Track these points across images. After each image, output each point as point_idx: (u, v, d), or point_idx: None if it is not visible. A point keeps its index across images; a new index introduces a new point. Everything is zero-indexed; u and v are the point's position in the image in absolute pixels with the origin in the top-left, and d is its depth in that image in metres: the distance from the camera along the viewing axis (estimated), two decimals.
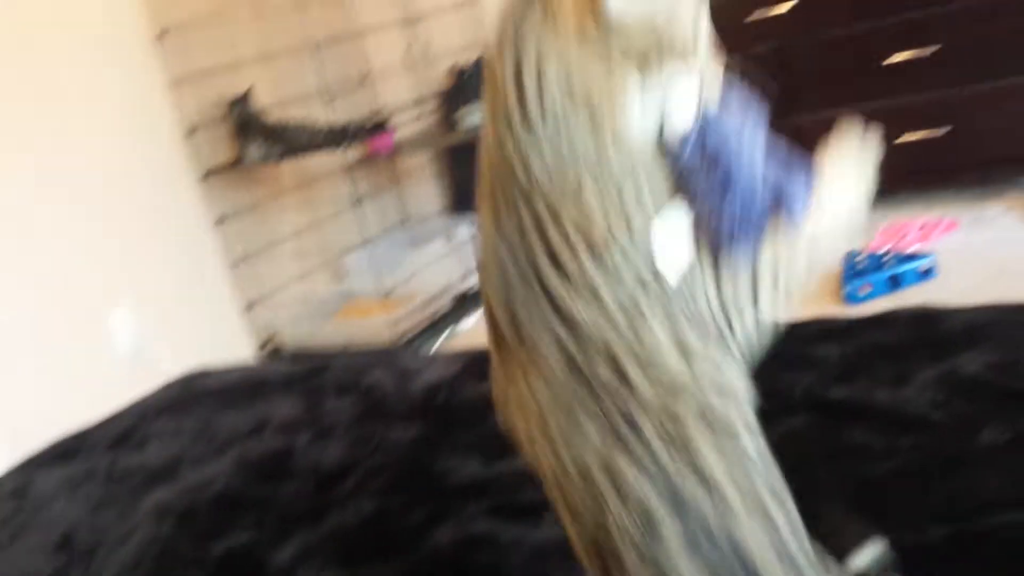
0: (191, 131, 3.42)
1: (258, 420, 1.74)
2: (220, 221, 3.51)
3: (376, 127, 3.40)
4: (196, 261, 3.47)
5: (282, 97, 3.47)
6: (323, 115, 3.37)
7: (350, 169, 3.73)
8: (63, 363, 3.00)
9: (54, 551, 1.49)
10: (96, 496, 1.64)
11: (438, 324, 3.39)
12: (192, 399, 1.93)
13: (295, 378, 1.89)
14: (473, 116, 3.62)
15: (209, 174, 3.46)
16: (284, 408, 1.76)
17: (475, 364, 1.66)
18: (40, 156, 3.00)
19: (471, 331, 3.35)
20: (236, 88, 3.39)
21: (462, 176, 3.93)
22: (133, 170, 3.28)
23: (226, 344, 3.48)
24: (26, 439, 2.52)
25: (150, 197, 3.33)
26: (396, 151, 3.66)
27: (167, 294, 3.35)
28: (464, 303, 3.46)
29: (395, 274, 3.40)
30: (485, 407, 0.83)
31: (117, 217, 3.21)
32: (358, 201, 3.46)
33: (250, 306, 3.59)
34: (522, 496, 1.15)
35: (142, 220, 3.30)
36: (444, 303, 3.47)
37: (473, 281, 3.51)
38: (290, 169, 3.68)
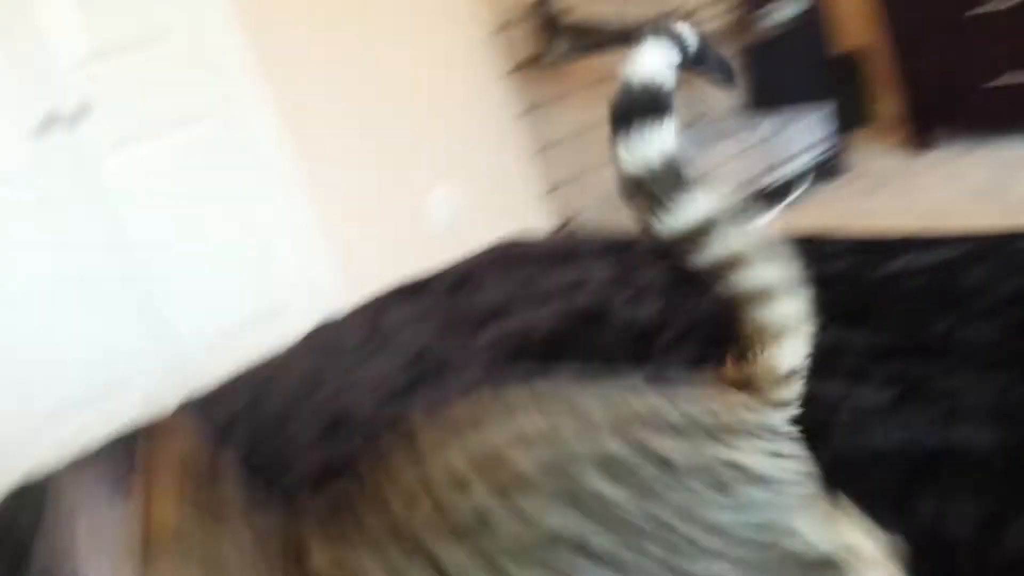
0: (501, 28, 3.65)
1: (575, 280, 1.93)
2: (525, 112, 3.75)
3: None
4: (504, 148, 3.75)
5: None
6: (624, 13, 3.50)
7: None
8: (392, 229, 3.42)
9: (407, 366, 1.77)
10: (439, 328, 1.91)
11: None
12: (514, 259, 2.17)
13: (610, 247, 2.06)
14: (777, 13, 3.59)
15: (516, 69, 3.69)
16: (599, 271, 1.94)
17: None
18: (379, 57, 3.38)
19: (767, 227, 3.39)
20: None
21: (761, 73, 3.91)
22: (452, 65, 3.59)
23: (528, 223, 3.76)
24: (360, 287, 2.91)
25: (465, 90, 3.63)
26: None
27: (478, 176, 3.66)
28: (761, 199, 3.51)
29: (691, 169, 3.48)
30: None
31: (438, 108, 3.55)
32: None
33: (551, 190, 3.83)
34: None
35: (459, 111, 3.61)
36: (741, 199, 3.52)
37: (771, 177, 3.55)
38: (591, 65, 3.84)
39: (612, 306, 1.76)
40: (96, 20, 2.81)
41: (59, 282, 2.77)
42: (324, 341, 2.03)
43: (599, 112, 3.12)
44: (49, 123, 2.71)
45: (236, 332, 3.10)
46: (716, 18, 3.79)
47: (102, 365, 2.85)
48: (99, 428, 2.71)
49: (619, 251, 2.04)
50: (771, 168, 3.56)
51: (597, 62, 3.83)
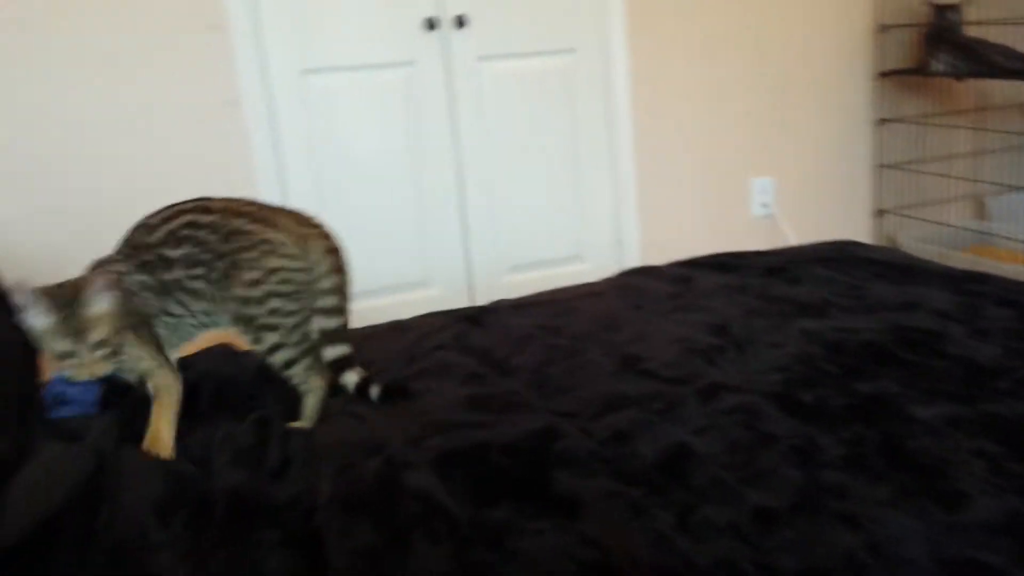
0: (881, 29, 3.44)
1: (908, 299, 1.81)
2: (880, 122, 3.54)
3: None
4: (843, 155, 3.56)
5: (986, 16, 3.31)
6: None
7: None
8: (709, 213, 3.37)
9: (711, 332, 1.74)
10: (750, 306, 1.85)
11: None
12: (844, 260, 2.06)
13: (952, 276, 1.90)
14: None
15: (885, 74, 3.48)
16: (937, 298, 1.80)
17: None
18: (748, 34, 3.30)
19: None
20: None
21: None
22: (811, 59, 3.43)
23: (845, 237, 3.58)
24: (656, 254, 2.89)
25: (819, 86, 3.46)
26: None
27: (805, 174, 3.51)
28: None
29: None
30: None
31: (779, 98, 3.41)
32: None
33: (880, 212, 3.61)
34: None
35: (802, 105, 3.46)
36: None
37: None
38: (967, 89, 3.55)
39: (948, 336, 1.63)
40: None
41: (402, 167, 2.96)
42: (630, 285, 2.03)
43: (958, 143, 2.91)
44: (432, 25, 2.89)
45: (528, 266, 3.19)
46: None
47: (412, 257, 3.04)
48: (383, 315, 2.91)
49: (961, 283, 1.88)
50: None
51: (976, 88, 3.55)
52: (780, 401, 1.43)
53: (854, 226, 3.64)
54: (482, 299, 3.14)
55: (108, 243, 2.57)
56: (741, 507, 1.16)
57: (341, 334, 1.56)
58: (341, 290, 1.55)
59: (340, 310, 1.56)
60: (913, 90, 3.55)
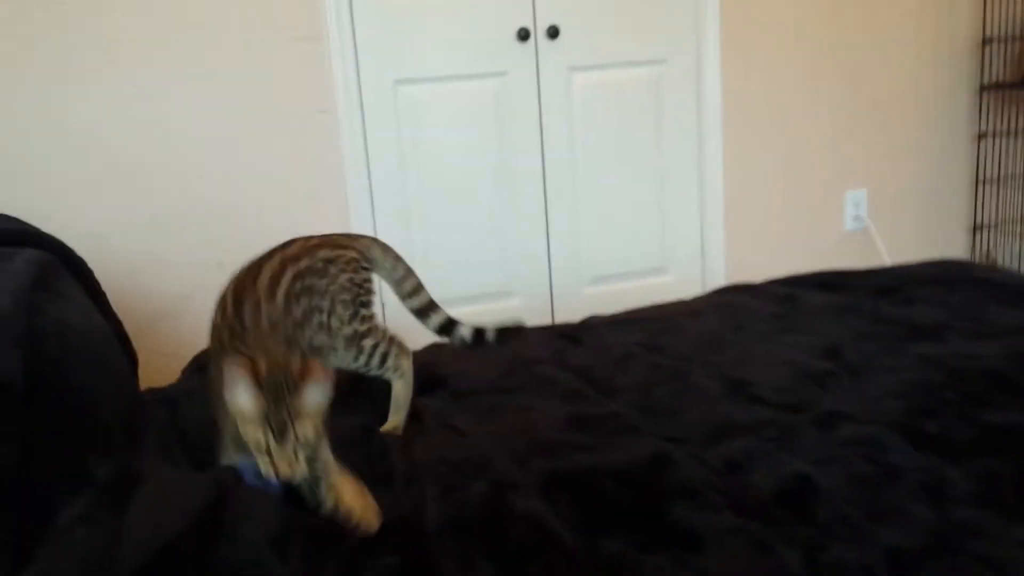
0: (986, 41, 3.32)
1: None
2: (980, 136, 3.42)
3: None
4: (941, 168, 3.45)
5: None
6: None
7: None
8: (799, 227, 3.29)
9: (822, 355, 1.67)
10: (861, 328, 1.78)
11: None
12: (956, 281, 1.97)
13: None
14: None
15: (987, 87, 3.36)
16: None
17: None
18: (846, 43, 3.21)
19: None
20: None
21: None
22: (912, 71, 3.32)
23: (939, 254, 3.46)
24: (741, 270, 2.81)
25: (919, 98, 3.36)
26: None
27: (900, 187, 3.41)
28: None
29: None
30: None
31: (876, 110, 3.31)
32: None
33: (977, 228, 3.48)
34: None
35: (900, 117, 3.35)
36: None
37: None
38: None
39: None
40: None
41: (488, 177, 2.95)
42: (731, 303, 1.98)
43: None
44: (524, 36, 2.87)
45: (609, 278, 3.15)
46: None
47: (495, 268, 3.01)
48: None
49: None
50: None
51: None
52: (903, 432, 1.36)
53: (950, 241, 3.52)
54: (563, 310, 3.11)
55: (198, 250, 2.62)
56: (872, 547, 1.10)
57: (434, 304, 1.67)
58: (411, 272, 1.66)
59: (420, 286, 1.67)
60: (1015, 104, 3.42)
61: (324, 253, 1.49)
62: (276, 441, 1.16)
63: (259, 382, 1.16)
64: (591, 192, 3.09)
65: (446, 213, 2.94)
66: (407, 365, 1.59)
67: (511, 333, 1.66)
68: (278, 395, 1.17)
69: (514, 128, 2.95)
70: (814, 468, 1.29)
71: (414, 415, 1.56)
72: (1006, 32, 3.29)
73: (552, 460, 1.36)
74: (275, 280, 1.37)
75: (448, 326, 1.66)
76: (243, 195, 2.65)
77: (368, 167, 2.83)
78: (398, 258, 1.66)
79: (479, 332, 1.65)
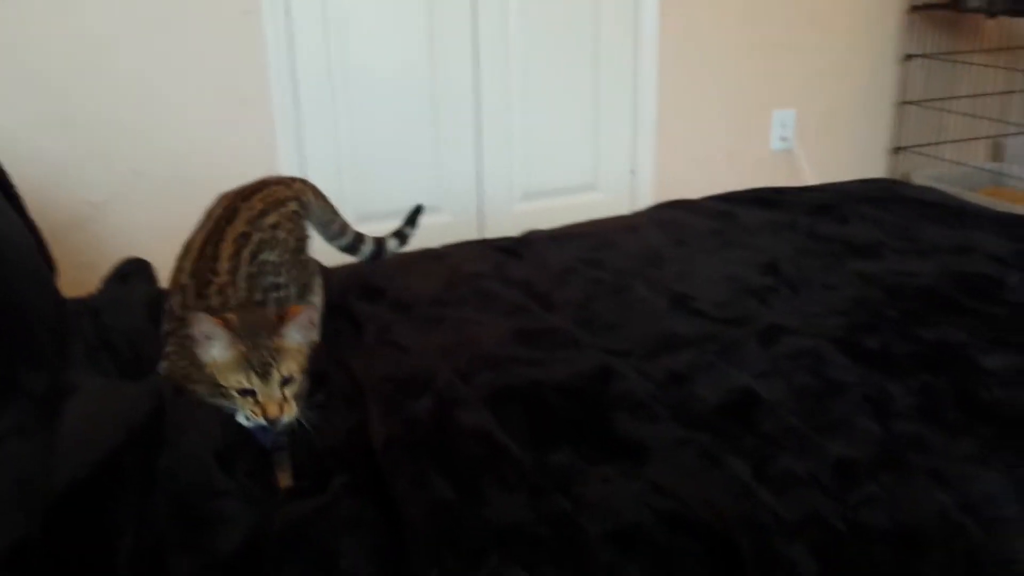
0: None
1: (961, 243, 1.75)
2: (906, 58, 3.44)
3: None
4: (867, 89, 3.47)
5: None
6: None
7: None
8: (728, 145, 3.29)
9: (762, 270, 1.68)
10: (799, 244, 1.79)
11: None
12: (891, 200, 1.99)
13: (1005, 221, 1.85)
14: None
15: (917, 8, 3.37)
16: (991, 243, 1.74)
17: None
18: None
19: None
20: None
21: None
22: None
23: (860, 173, 3.51)
24: (672, 187, 2.80)
25: (850, 17, 3.35)
26: None
27: (827, 108, 3.43)
28: None
29: None
30: None
31: (807, 29, 3.30)
32: None
33: (897, 149, 3.54)
34: None
35: (830, 37, 3.35)
36: None
37: None
38: (997, 27, 3.45)
39: (1007, 283, 1.57)
40: None
41: (419, 87, 2.85)
42: (670, 219, 1.96)
43: (982, 83, 2.81)
44: None
45: (540, 194, 3.11)
46: None
47: (425, 182, 2.94)
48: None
49: (1015, 228, 1.82)
50: None
51: (1005, 26, 3.45)
52: (844, 346, 1.38)
53: (871, 162, 3.56)
54: (493, 226, 3.06)
55: (113, 156, 2.48)
56: (821, 459, 1.11)
57: (360, 235, 1.70)
58: (336, 212, 1.66)
59: (344, 224, 1.68)
60: (942, 27, 3.44)
61: (271, 219, 1.42)
62: (260, 381, 1.10)
63: (233, 330, 1.11)
64: (525, 107, 3.02)
65: (375, 125, 2.84)
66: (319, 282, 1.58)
67: (416, 215, 1.80)
68: (256, 338, 1.11)
69: (447, 33, 2.85)
70: (757, 381, 1.30)
71: (353, 324, 1.52)
72: None
73: (497, 375, 1.34)
74: (234, 265, 1.31)
75: (379, 250, 1.71)
76: (163, 98, 2.50)
77: (294, 73, 2.70)
78: (326, 200, 1.65)
79: (400, 234, 1.76)
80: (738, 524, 0.98)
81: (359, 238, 1.68)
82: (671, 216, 1.98)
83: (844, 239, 1.80)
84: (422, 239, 2.79)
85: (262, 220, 1.40)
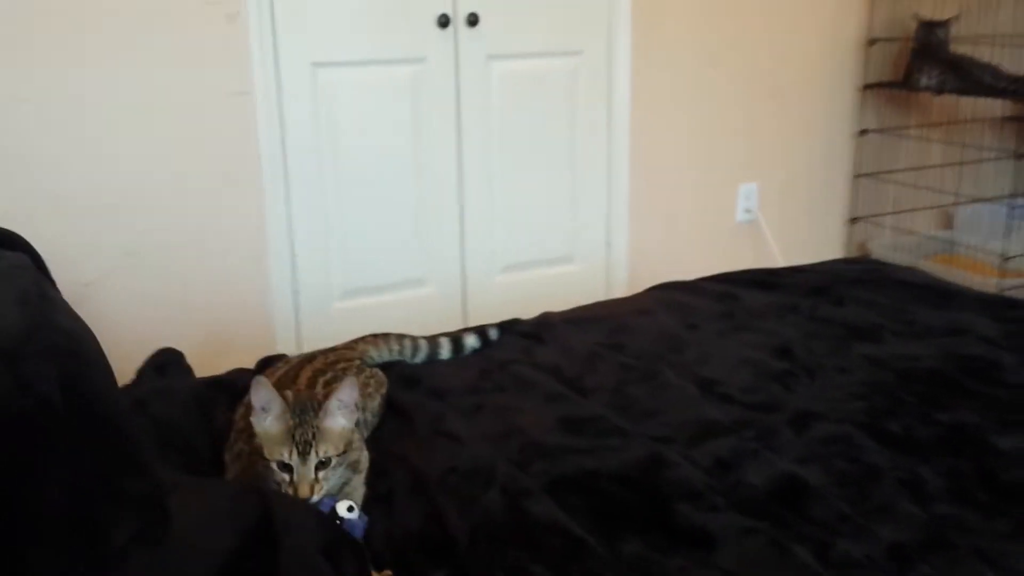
0: (870, 42, 3.55)
1: (955, 325, 1.89)
2: (861, 133, 3.65)
3: None
4: (825, 163, 3.66)
5: (973, 33, 3.45)
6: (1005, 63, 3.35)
7: (1002, 123, 3.69)
8: (697, 218, 3.44)
9: (776, 355, 1.79)
10: (803, 328, 1.91)
11: None
12: (879, 281, 2.13)
13: (987, 301, 1.99)
14: None
15: (870, 87, 3.59)
16: (980, 324, 1.88)
17: None
18: (741, 42, 3.37)
19: None
20: (935, 12, 3.42)
21: None
22: (802, 69, 3.52)
23: (819, 243, 3.69)
24: (654, 276, 2.93)
25: (809, 95, 3.55)
26: None
27: (788, 181, 3.61)
28: None
29: (1004, 243, 3.28)
30: None
31: (770, 106, 3.49)
32: (1000, 157, 3.41)
33: (854, 220, 3.73)
34: None
35: (791, 114, 3.54)
36: None
37: None
38: (942, 103, 3.69)
39: (1003, 364, 1.71)
40: None
41: (405, 165, 2.93)
42: (677, 301, 2.07)
43: (934, 153, 3.02)
44: (444, 23, 2.86)
45: (519, 266, 3.19)
46: None
47: (410, 256, 3.01)
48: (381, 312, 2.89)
49: (997, 309, 1.97)
50: None
51: (949, 102, 3.69)
52: (869, 431, 1.48)
53: (829, 232, 3.75)
54: (475, 299, 3.14)
55: (104, 236, 2.50)
56: (874, 542, 1.21)
57: (435, 339, 1.90)
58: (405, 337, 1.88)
59: (416, 340, 1.88)
60: (892, 103, 3.67)
61: (340, 364, 1.59)
62: (299, 459, 1.17)
63: (288, 403, 1.18)
64: (506, 181, 3.12)
65: (362, 200, 2.91)
66: None
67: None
68: (304, 415, 1.19)
69: (432, 115, 2.95)
70: (799, 467, 1.39)
71: (401, 414, 1.57)
72: (889, 34, 3.51)
73: (551, 464, 1.41)
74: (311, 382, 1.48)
75: (457, 346, 1.89)
76: (155, 178, 2.54)
77: (284, 152, 2.76)
78: (398, 338, 1.84)
79: (482, 332, 1.92)
80: None
81: (435, 341, 1.87)
82: (675, 298, 2.09)
83: (844, 322, 1.92)
84: (407, 309, 2.87)
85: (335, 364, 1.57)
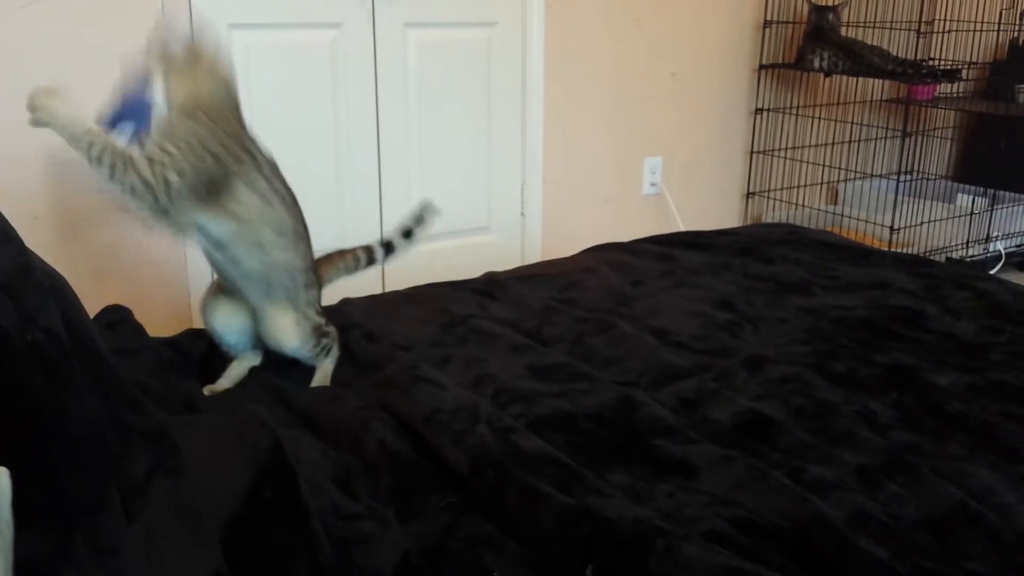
0: (766, 24, 3.72)
1: (877, 280, 2.02)
2: (757, 111, 3.82)
3: (931, 74, 3.47)
4: (723, 140, 3.83)
5: (860, 19, 3.66)
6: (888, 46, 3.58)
7: (885, 104, 3.94)
8: (606, 190, 3.54)
9: (719, 307, 1.88)
10: (739, 284, 2.01)
11: None
12: (801, 242, 2.25)
13: (903, 259, 2.14)
14: None
15: (765, 67, 3.76)
16: (901, 279, 2.02)
17: None
18: (648, 20, 3.48)
19: None
20: None
21: (980, 148, 3.95)
22: (703, 49, 3.66)
23: (719, 216, 3.85)
24: (567, 246, 3.00)
25: (709, 74, 3.70)
26: (933, 103, 3.77)
27: (689, 156, 3.75)
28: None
29: (887, 216, 3.50)
30: None
31: (673, 83, 3.62)
32: (884, 136, 3.63)
33: (750, 194, 3.91)
34: None
35: (693, 91, 3.68)
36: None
37: (966, 251, 3.57)
38: (830, 84, 3.90)
39: (926, 313, 1.84)
40: None
41: (322, 133, 2.91)
42: (619, 261, 2.14)
43: (823, 131, 3.22)
44: None
45: (438, 235, 3.21)
46: (962, 82, 3.82)
47: (329, 226, 2.99)
48: None
49: (913, 266, 2.12)
50: (969, 242, 3.60)
51: (837, 83, 3.91)
52: (818, 370, 1.59)
53: (727, 206, 3.92)
54: (395, 268, 3.14)
55: (13, 202, 2.39)
56: (842, 466, 1.30)
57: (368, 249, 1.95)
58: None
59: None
60: (785, 83, 3.85)
61: None
62: None
63: None
64: (424, 151, 3.13)
65: (280, 166, 2.87)
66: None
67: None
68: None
69: (349, 82, 2.93)
70: (760, 403, 1.48)
71: (373, 366, 1.58)
72: (783, 17, 3.69)
73: (529, 407, 1.45)
74: None
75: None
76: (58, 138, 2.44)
77: None
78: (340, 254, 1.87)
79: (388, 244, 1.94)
80: (812, 523, 1.15)
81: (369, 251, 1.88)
82: (616, 258, 2.16)
83: (776, 278, 2.03)
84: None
85: None
